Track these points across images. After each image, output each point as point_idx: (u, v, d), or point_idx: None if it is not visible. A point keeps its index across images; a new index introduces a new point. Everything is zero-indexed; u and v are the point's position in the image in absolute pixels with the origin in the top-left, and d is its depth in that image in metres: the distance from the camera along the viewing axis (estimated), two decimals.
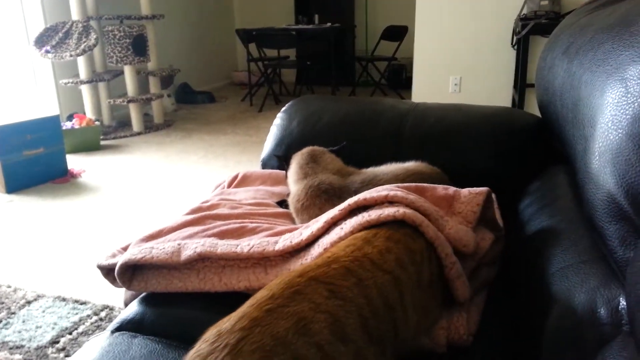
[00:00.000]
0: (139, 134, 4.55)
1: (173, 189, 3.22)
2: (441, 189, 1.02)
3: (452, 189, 1.02)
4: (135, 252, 1.01)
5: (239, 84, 7.19)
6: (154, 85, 4.80)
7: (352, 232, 0.87)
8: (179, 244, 1.01)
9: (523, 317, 0.88)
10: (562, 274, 0.83)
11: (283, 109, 1.63)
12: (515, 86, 3.66)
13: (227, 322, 0.64)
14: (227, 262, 0.98)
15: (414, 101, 1.60)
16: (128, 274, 1.02)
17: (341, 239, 0.87)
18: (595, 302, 0.73)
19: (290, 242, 0.96)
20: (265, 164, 1.59)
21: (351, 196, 1.09)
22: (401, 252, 0.79)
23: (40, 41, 4.15)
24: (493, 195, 1.20)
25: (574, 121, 0.89)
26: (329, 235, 0.92)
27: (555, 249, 0.91)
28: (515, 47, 3.67)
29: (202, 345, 0.63)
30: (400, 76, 6.46)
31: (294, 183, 1.26)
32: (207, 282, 0.97)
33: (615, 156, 0.71)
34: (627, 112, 0.69)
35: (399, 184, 1.01)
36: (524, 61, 3.35)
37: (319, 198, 1.17)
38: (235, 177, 1.50)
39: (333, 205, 1.05)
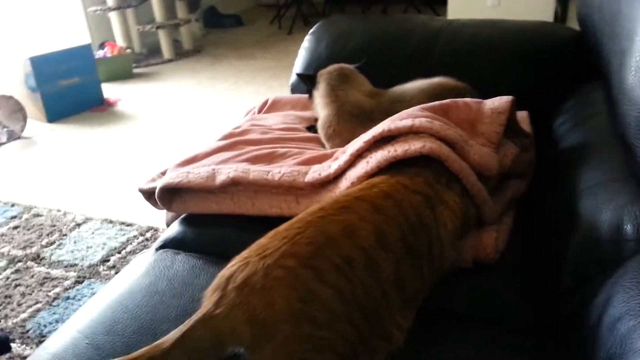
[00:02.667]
0: (170, 60, 4.55)
1: (206, 116, 3.27)
2: (464, 107, 1.01)
3: (475, 107, 1.01)
4: (173, 177, 1.06)
5: (266, 5, 6.98)
6: (181, 10, 4.72)
7: (378, 167, 0.89)
8: (213, 169, 1.05)
9: (549, 233, 0.90)
10: (590, 191, 0.84)
11: (311, 31, 1.60)
12: None
13: (282, 226, 0.73)
14: (260, 188, 1.02)
15: (448, 18, 1.54)
16: (167, 196, 1.07)
17: (367, 173, 0.90)
18: (622, 218, 0.73)
19: (319, 174, 0.98)
20: (294, 89, 1.59)
21: (382, 116, 1.10)
22: (428, 174, 0.85)
23: None
24: (525, 113, 1.18)
25: (612, 34, 0.85)
26: (356, 168, 0.94)
27: (586, 166, 0.90)
28: None
29: (261, 239, 0.72)
30: None
31: (323, 107, 1.25)
32: (241, 206, 1.02)
33: None
34: None
35: (424, 105, 1.00)
36: None
37: (350, 122, 1.18)
38: (265, 102, 1.51)
39: (365, 129, 1.05)
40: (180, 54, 4.69)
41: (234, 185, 1.03)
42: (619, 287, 0.65)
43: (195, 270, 0.91)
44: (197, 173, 1.05)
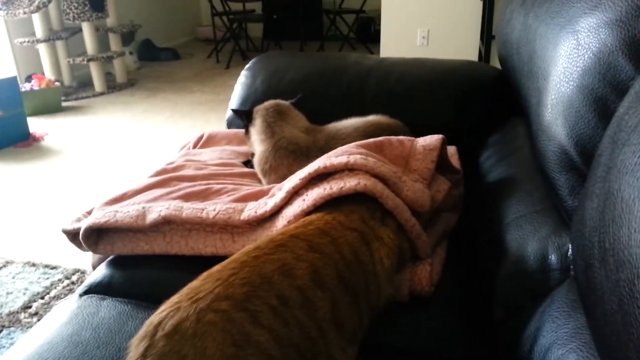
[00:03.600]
0: (101, 94, 4.41)
1: (138, 151, 3.17)
2: (397, 144, 1.04)
3: (407, 144, 1.03)
4: (99, 216, 1.00)
5: (204, 39, 6.98)
6: (114, 43, 4.62)
7: (314, 205, 0.89)
8: (143, 207, 1.01)
9: (479, 265, 0.92)
10: (516, 223, 0.87)
11: (247, 66, 1.60)
12: (481, 38, 3.67)
13: (216, 267, 0.71)
14: (194, 226, 0.99)
15: (380, 56, 1.60)
16: (93, 237, 1.02)
17: (304, 211, 0.89)
18: (546, 249, 0.76)
19: (255, 212, 0.97)
20: (230, 124, 1.57)
21: (318, 153, 1.10)
22: (363, 211, 0.86)
23: None
24: (454, 148, 1.23)
25: (529, 74, 0.91)
26: (292, 206, 0.93)
27: (511, 199, 0.94)
28: None
29: (193, 282, 0.69)
30: (368, 29, 6.36)
31: (259, 142, 1.24)
32: (173, 245, 0.98)
33: (566, 108, 0.73)
34: (577, 64, 0.71)
35: (359, 142, 1.02)
36: (490, 13, 3.35)
37: (287, 158, 1.17)
38: (201, 137, 1.49)
39: (301, 165, 1.05)
40: (113, 87, 4.57)
41: (166, 224, 0.99)
42: (547, 317, 0.68)
43: (123, 317, 0.86)
44: (125, 212, 1.01)
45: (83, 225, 1.00)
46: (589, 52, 0.69)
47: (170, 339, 0.61)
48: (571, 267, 0.72)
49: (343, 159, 0.93)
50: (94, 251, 1.02)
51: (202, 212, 0.98)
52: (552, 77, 0.78)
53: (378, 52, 4.48)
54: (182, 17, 6.94)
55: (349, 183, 0.88)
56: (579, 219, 0.57)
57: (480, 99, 1.35)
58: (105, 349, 0.79)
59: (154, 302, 0.86)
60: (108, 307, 0.88)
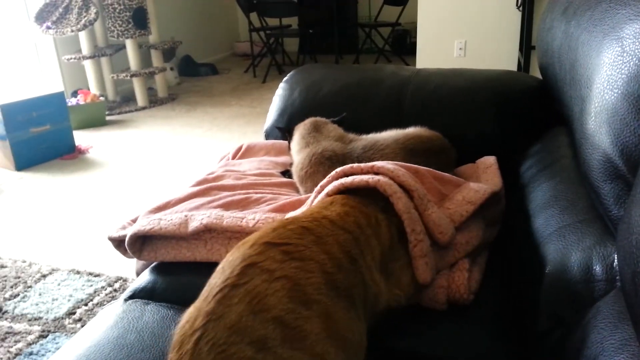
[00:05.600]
0: (143, 108, 4.56)
1: (179, 162, 3.25)
2: (439, 182, 1.00)
3: (450, 187, 1.00)
4: (144, 224, 1.04)
5: (241, 54, 7.12)
6: (156, 59, 4.78)
7: (327, 195, 0.88)
8: (185, 216, 1.04)
9: (522, 276, 0.91)
10: (560, 233, 0.85)
11: (284, 79, 1.63)
12: (520, 49, 3.61)
13: (186, 324, 0.63)
14: (234, 234, 1.01)
15: (417, 67, 1.60)
16: (138, 244, 1.05)
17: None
18: (591, 259, 0.75)
19: None
20: (268, 135, 1.60)
21: (354, 162, 1.11)
22: (358, 215, 0.79)
23: (41, 17, 4.13)
24: (495, 160, 1.21)
25: (572, 82, 0.89)
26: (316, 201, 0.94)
27: (554, 209, 0.92)
28: (520, 8, 3.61)
29: (170, 354, 0.63)
30: (404, 42, 6.36)
31: (297, 153, 1.27)
32: (214, 253, 1.00)
33: (610, 116, 0.71)
34: (622, 71, 0.70)
35: (399, 163, 1.01)
36: (528, 23, 3.30)
37: (323, 165, 1.19)
38: (240, 148, 1.52)
39: None
40: (155, 101, 4.71)
41: (208, 232, 1.02)
42: (592, 328, 0.66)
43: (166, 321, 0.88)
44: (169, 220, 1.04)
45: (128, 232, 1.04)
46: (634, 59, 0.68)
47: None
48: (617, 277, 0.70)
49: (370, 163, 0.93)
50: (139, 257, 1.05)
51: (241, 221, 1.01)
52: (595, 85, 0.77)
53: (414, 64, 4.47)
54: (221, 33, 7.12)
55: (363, 178, 0.87)
56: (625, 228, 0.56)
57: (520, 108, 1.33)
58: (149, 352, 0.81)
59: None
60: (152, 312, 0.91)
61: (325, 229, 0.72)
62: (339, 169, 0.96)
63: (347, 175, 0.94)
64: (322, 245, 0.68)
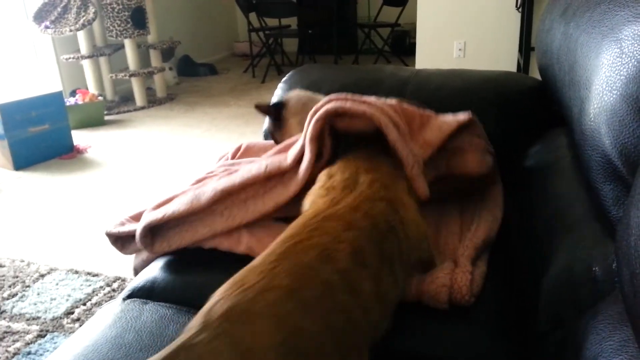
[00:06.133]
0: (142, 108, 4.55)
1: (178, 162, 3.25)
2: (421, 116, 1.08)
3: (429, 119, 1.07)
4: (155, 214, 1.03)
5: (240, 55, 7.13)
6: (155, 59, 4.77)
7: (327, 113, 0.96)
8: (195, 194, 1.04)
9: (522, 278, 0.91)
10: (559, 234, 0.85)
11: (283, 79, 1.63)
12: (520, 50, 3.62)
13: (255, 261, 0.71)
14: (248, 195, 1.02)
15: (416, 68, 1.60)
16: (149, 238, 1.04)
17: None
18: (590, 260, 0.75)
19: (295, 150, 1.03)
20: (267, 135, 1.60)
21: None
22: (383, 177, 0.89)
23: (39, 17, 4.13)
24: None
25: (571, 83, 0.89)
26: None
27: (554, 210, 0.93)
28: (520, 9, 3.61)
29: (235, 276, 0.69)
30: (403, 43, 6.37)
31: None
32: (235, 219, 1.00)
33: (609, 117, 0.72)
34: (621, 72, 0.70)
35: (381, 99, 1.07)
36: (528, 24, 3.31)
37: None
38: (239, 148, 1.51)
39: None
40: (153, 101, 4.71)
41: (221, 202, 1.01)
42: (592, 329, 0.66)
43: (164, 321, 0.88)
44: (178, 203, 1.04)
45: (139, 226, 1.03)
46: (633, 61, 0.68)
47: (224, 320, 0.62)
48: (616, 278, 0.70)
49: (362, 98, 0.99)
50: (151, 251, 1.04)
51: (251, 173, 1.02)
52: (594, 86, 0.77)
53: (413, 65, 4.48)
54: (220, 33, 7.12)
55: (361, 107, 0.94)
56: (624, 228, 0.56)
57: (519, 109, 1.33)
58: (148, 351, 0.81)
59: (195, 307, 0.88)
60: (150, 311, 0.91)
61: (366, 203, 0.81)
62: (332, 95, 1.00)
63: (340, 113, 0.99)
64: (369, 218, 0.78)
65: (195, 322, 0.64)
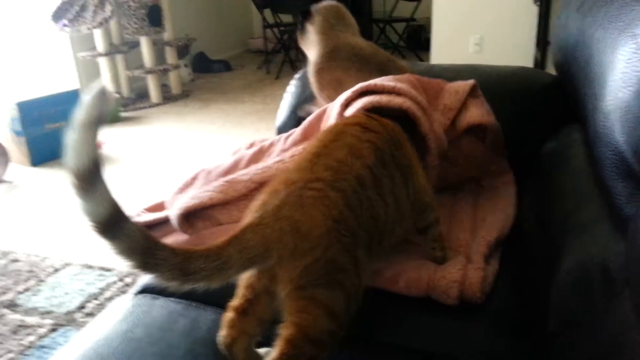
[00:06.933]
0: (157, 104, 4.59)
1: (193, 159, 3.27)
2: (434, 85, 1.14)
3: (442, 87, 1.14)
4: (187, 201, 1.03)
5: (255, 51, 7.13)
6: (170, 56, 4.80)
7: (363, 108, 0.97)
8: (227, 181, 1.05)
9: (534, 274, 0.89)
10: (572, 232, 0.84)
11: (296, 76, 1.62)
12: (537, 45, 3.57)
13: (290, 165, 0.79)
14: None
15: (431, 63, 1.58)
16: (186, 222, 1.04)
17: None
18: (604, 259, 0.73)
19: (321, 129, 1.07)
20: (280, 131, 1.60)
21: (374, 68, 1.20)
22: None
23: (57, 15, 4.17)
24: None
25: (586, 79, 0.88)
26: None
27: (568, 207, 0.91)
28: (538, 3, 3.56)
29: (278, 175, 0.75)
30: (419, 37, 6.31)
31: (318, 42, 1.27)
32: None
33: (624, 114, 0.70)
34: (637, 69, 0.68)
35: (403, 77, 1.09)
36: (545, 18, 3.26)
37: (348, 61, 1.22)
38: (252, 144, 1.51)
39: (359, 71, 1.18)
40: (169, 98, 4.74)
41: (256, 190, 1.02)
42: (603, 328, 0.65)
43: (174, 316, 0.89)
44: (211, 189, 1.05)
45: (175, 212, 1.02)
46: None
47: (282, 208, 0.67)
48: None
49: (392, 83, 1.01)
50: (191, 233, 1.03)
51: (284, 164, 1.04)
52: (609, 83, 0.76)
53: (428, 60, 4.44)
54: (234, 29, 7.13)
55: (397, 100, 0.96)
56: (636, 227, 0.55)
57: (534, 105, 1.31)
58: (157, 345, 0.82)
59: (204, 303, 0.88)
60: (160, 307, 0.92)
61: (377, 120, 0.86)
62: (363, 85, 1.01)
63: (370, 92, 1.00)
64: (384, 126, 0.84)
65: (252, 214, 0.68)
